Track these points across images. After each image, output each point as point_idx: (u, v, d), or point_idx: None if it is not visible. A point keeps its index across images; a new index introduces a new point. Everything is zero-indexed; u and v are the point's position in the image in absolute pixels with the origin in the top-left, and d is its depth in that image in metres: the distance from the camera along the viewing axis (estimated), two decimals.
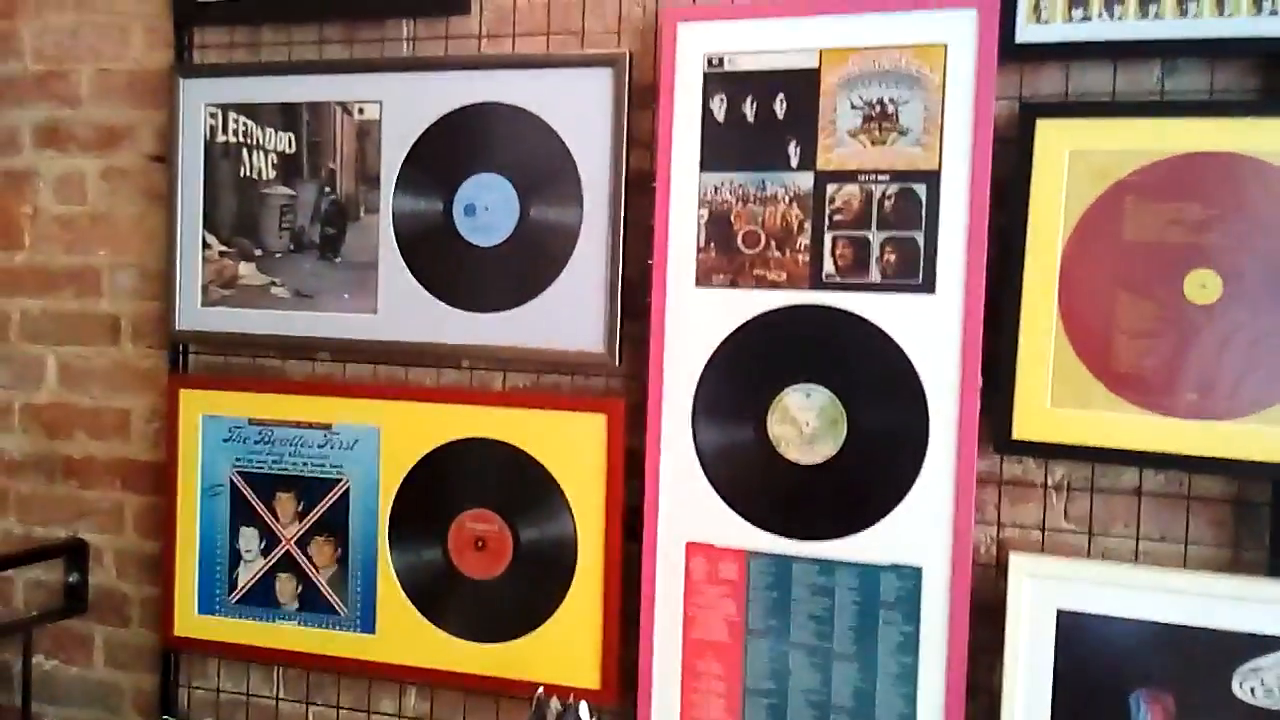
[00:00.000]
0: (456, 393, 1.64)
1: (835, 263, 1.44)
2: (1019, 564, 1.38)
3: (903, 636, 1.42)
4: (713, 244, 1.48)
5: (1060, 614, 1.36)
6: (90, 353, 1.90)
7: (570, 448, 1.57)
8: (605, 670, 1.56)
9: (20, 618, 1.88)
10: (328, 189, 1.68)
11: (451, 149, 1.61)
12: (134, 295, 1.87)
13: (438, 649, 1.64)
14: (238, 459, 1.74)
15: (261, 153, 1.71)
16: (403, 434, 1.65)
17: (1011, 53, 1.37)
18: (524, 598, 1.61)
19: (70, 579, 1.90)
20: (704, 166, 1.48)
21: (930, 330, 1.40)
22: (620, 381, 1.59)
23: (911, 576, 1.42)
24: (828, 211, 1.44)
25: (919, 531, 1.41)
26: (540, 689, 1.45)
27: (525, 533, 1.61)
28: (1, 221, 1.94)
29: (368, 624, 1.68)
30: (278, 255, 1.71)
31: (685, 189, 1.49)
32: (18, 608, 1.96)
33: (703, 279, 1.49)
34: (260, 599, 1.73)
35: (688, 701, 1.52)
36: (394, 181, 1.64)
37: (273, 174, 1.71)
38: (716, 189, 1.48)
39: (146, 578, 1.87)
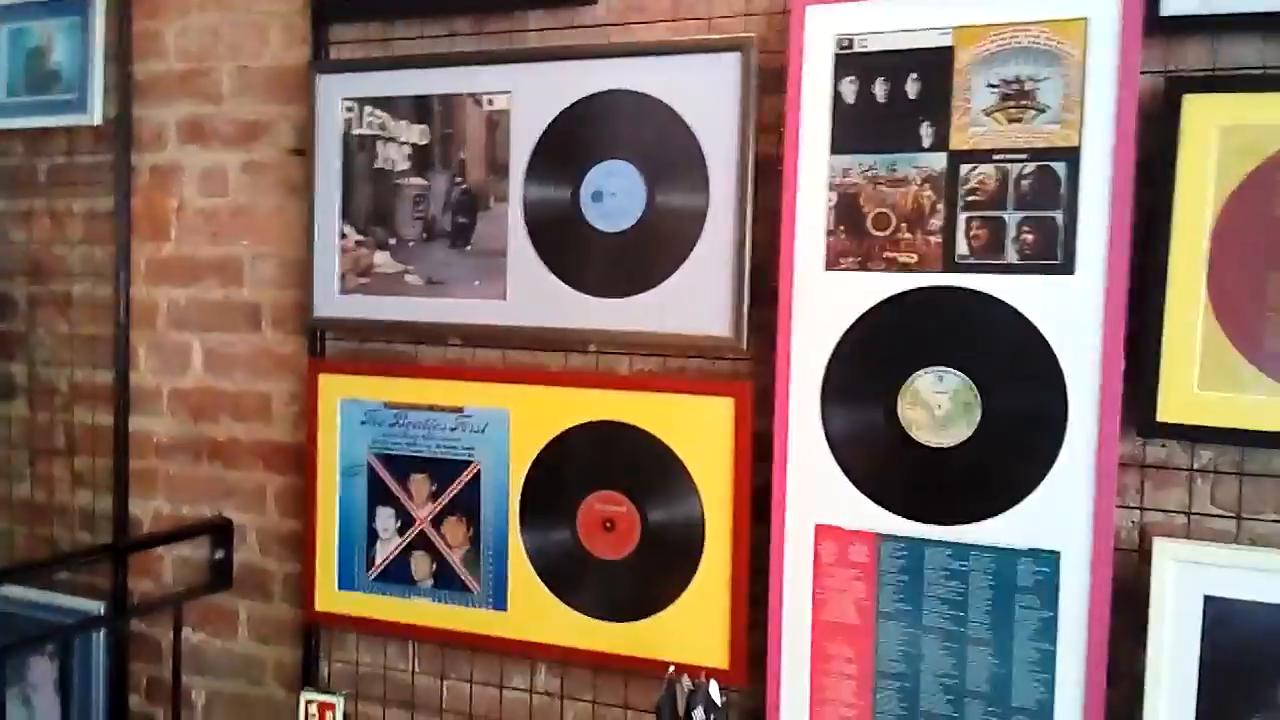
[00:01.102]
0: (584, 376, 1.68)
1: (969, 244, 1.42)
2: (1163, 549, 1.35)
3: (1040, 622, 1.41)
4: (842, 227, 1.48)
5: (1207, 600, 1.33)
6: (233, 339, 1.99)
7: (697, 431, 1.59)
8: (734, 651, 1.58)
9: (170, 593, 1.99)
10: (459, 179, 1.72)
11: (579, 137, 1.64)
12: (273, 284, 1.95)
13: (568, 627, 1.68)
14: (374, 441, 1.80)
15: (395, 145, 1.76)
16: (532, 417, 1.69)
17: (1156, 26, 1.34)
18: (652, 578, 1.63)
19: (216, 556, 1.99)
20: (834, 149, 1.48)
21: (1070, 311, 1.37)
22: (747, 365, 1.60)
23: (1049, 561, 1.40)
24: (961, 192, 1.42)
25: (1057, 516, 1.39)
26: (672, 668, 1.47)
27: (653, 514, 1.63)
28: (150, 215, 2.04)
29: (499, 601, 1.72)
30: (411, 244, 1.76)
31: (814, 172, 1.49)
32: (167, 583, 2.07)
33: (832, 262, 1.49)
34: (397, 576, 1.79)
35: (817, 684, 1.52)
36: (523, 170, 1.68)
37: (406, 165, 1.76)
38: (846, 171, 1.48)
39: (288, 555, 1.96)
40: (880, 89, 1.45)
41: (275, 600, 1.98)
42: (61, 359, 2.14)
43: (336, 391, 1.82)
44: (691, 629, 1.60)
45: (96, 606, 2.04)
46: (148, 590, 2.07)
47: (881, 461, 1.48)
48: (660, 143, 1.59)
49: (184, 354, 2.03)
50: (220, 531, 1.99)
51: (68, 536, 2.13)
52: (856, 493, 1.49)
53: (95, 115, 2.00)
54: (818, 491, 1.51)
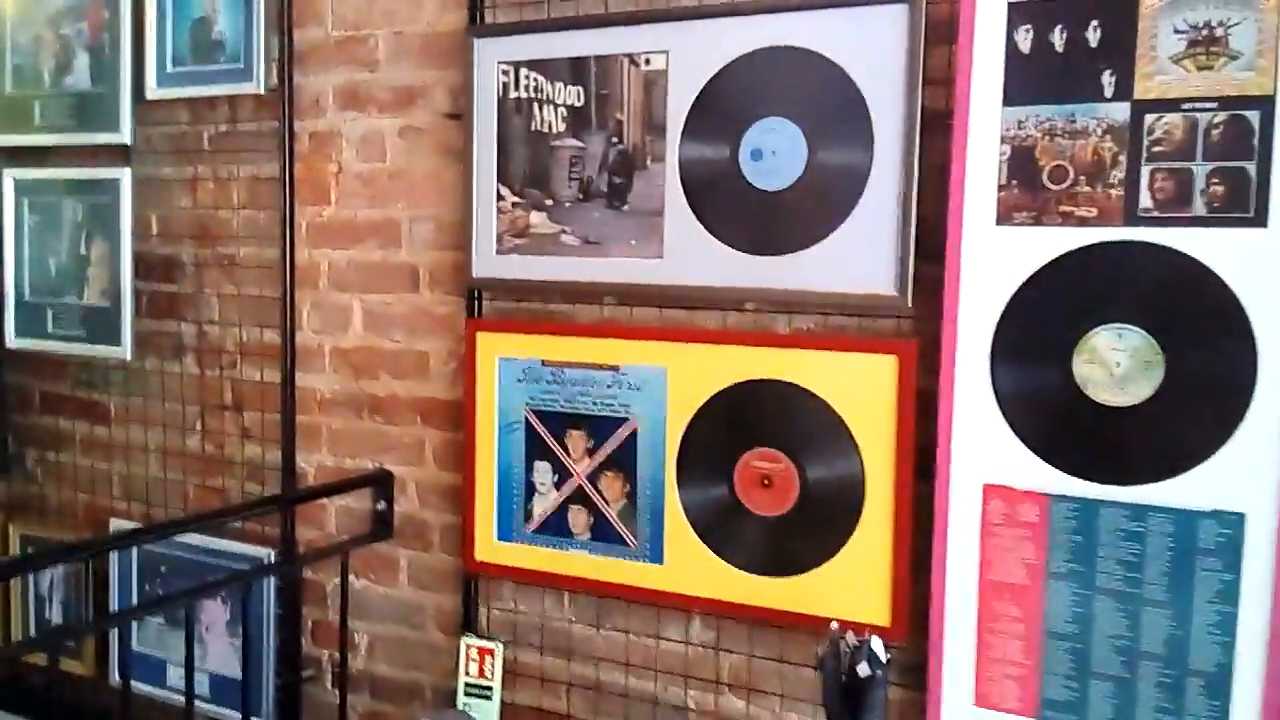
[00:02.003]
0: (744, 335, 1.69)
1: (1153, 196, 1.37)
2: None
3: (1222, 584, 1.37)
4: (1015, 181, 1.45)
5: None
6: (392, 299, 2.05)
7: (859, 389, 1.59)
8: (895, 608, 1.58)
9: (336, 541, 2.08)
10: (615, 139, 1.74)
11: (738, 95, 1.64)
12: (430, 246, 2.00)
13: (724, 581, 1.70)
14: (531, 398, 1.84)
15: (551, 106, 1.79)
16: (689, 375, 1.71)
17: None
18: (810, 534, 1.64)
19: (378, 506, 2.08)
20: (1007, 101, 1.45)
21: (1261, 265, 1.32)
22: (909, 323, 1.58)
23: (1234, 523, 1.36)
24: (1146, 143, 1.37)
25: (1243, 477, 1.35)
26: (835, 623, 1.48)
27: (812, 471, 1.64)
28: (311, 180, 2.11)
29: (656, 555, 1.76)
30: (567, 205, 1.79)
31: (985, 125, 1.46)
32: (331, 532, 2.17)
33: (1004, 217, 1.46)
34: (554, 529, 1.84)
35: (983, 642, 1.52)
36: (680, 129, 1.68)
37: (562, 126, 1.78)
38: (1020, 123, 1.44)
39: (446, 507, 2.03)
40: (1058, 37, 1.41)
41: (434, 550, 2.05)
42: (228, 319, 2.24)
43: (495, 349, 1.87)
44: (850, 585, 1.61)
45: (266, 553, 2.15)
46: (313, 538, 2.17)
47: (1055, 421, 1.45)
48: (822, 99, 1.58)
49: (345, 314, 2.11)
50: (381, 483, 2.07)
51: (236, 487, 2.25)
52: (1027, 452, 1.47)
53: (260, 84, 2.07)
54: (986, 450, 1.49)
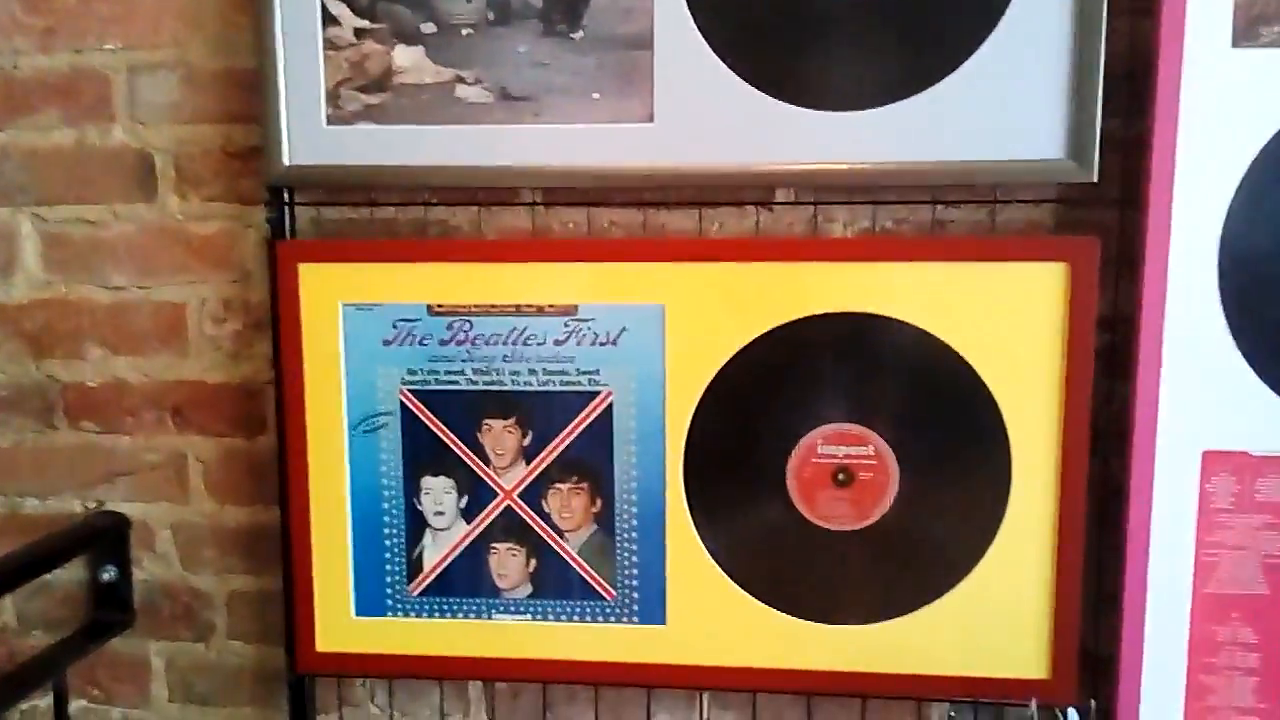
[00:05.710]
0: (796, 245, 1.04)
1: None
2: None
3: None
4: None
5: None
6: (100, 214, 1.17)
7: (996, 318, 1.00)
8: (1057, 654, 1.03)
9: (38, 652, 1.18)
10: None
11: None
12: (175, 115, 1.14)
13: (771, 639, 1.07)
14: (411, 371, 1.08)
15: None
16: (703, 315, 1.04)
17: None
18: (916, 554, 1.05)
19: (102, 576, 1.20)
20: None
21: None
22: (1071, 210, 1.02)
23: None
24: None
25: None
26: (1034, 701, 0.91)
27: (919, 454, 1.04)
28: None
29: (652, 611, 1.08)
30: (465, 33, 1.03)
31: None
32: (10, 624, 1.25)
33: (1244, 33, 0.93)
34: (463, 585, 1.10)
35: (1196, 683, 1.02)
36: None
37: None
38: None
39: (238, 564, 1.20)
40: None
41: (218, 636, 1.22)
42: None
43: (334, 291, 1.07)
44: (982, 625, 1.04)
45: None
46: None
47: None
48: None
49: (4, 246, 1.19)
50: (106, 537, 1.20)
51: None
52: (1276, 400, 0.97)
53: None
54: (1210, 401, 0.97)
